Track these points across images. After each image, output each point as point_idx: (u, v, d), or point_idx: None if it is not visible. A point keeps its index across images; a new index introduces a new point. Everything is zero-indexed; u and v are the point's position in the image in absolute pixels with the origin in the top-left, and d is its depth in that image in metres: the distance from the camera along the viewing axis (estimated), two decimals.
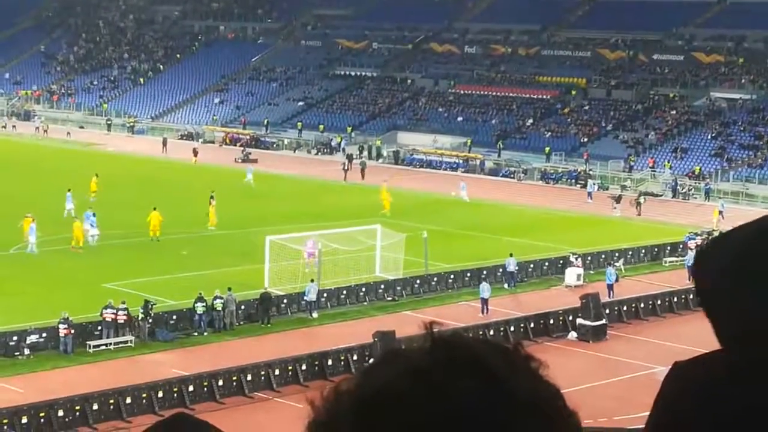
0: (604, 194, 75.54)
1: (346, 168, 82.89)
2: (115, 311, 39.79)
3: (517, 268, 50.72)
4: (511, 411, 1.71)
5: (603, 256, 54.57)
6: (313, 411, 1.82)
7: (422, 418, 1.70)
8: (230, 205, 64.63)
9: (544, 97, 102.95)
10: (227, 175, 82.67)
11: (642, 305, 46.65)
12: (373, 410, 1.74)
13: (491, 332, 41.15)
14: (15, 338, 38.19)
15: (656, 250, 57.60)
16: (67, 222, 56.67)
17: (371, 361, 1.85)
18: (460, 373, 1.73)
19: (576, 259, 52.47)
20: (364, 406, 1.74)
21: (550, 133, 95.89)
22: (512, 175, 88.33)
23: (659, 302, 47.24)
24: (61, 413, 31.87)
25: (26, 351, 37.89)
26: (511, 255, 50.92)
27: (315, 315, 44.47)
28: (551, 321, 43.71)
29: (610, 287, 48.38)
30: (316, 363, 37.41)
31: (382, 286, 48.07)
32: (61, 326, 38.19)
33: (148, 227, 56.16)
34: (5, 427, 30.86)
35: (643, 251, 57.23)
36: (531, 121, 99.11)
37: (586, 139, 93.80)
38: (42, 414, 31.64)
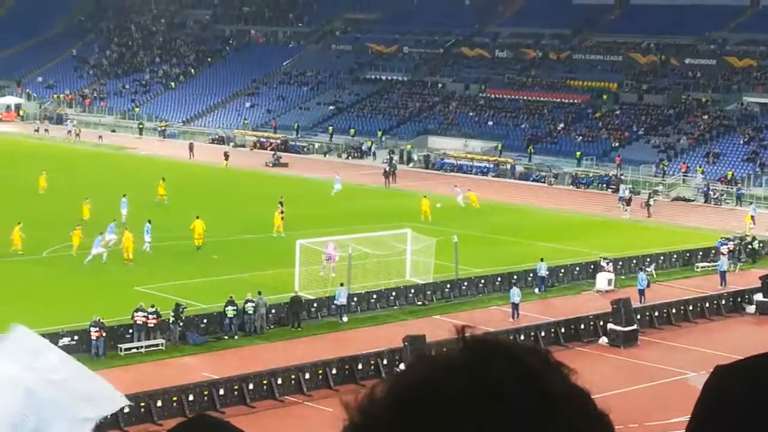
0: (637, 199, 75.08)
1: (387, 172, 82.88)
2: (146, 314, 39.95)
3: (547, 272, 50.59)
4: (549, 404, 1.73)
5: (634, 261, 54.37)
6: (348, 414, 1.83)
7: (461, 413, 1.71)
8: (261, 209, 64.75)
9: (575, 101, 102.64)
10: (258, 178, 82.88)
11: (674, 311, 46.40)
12: (411, 408, 1.75)
13: (521, 337, 41.01)
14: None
15: (688, 255, 57.29)
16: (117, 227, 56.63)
17: (403, 365, 1.84)
18: (496, 369, 1.75)
19: (607, 263, 52.29)
20: (400, 404, 1.76)
21: (581, 138, 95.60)
22: (543, 180, 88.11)
23: (691, 308, 46.98)
24: None
25: None
26: (541, 260, 50.80)
27: (345, 319, 44.49)
28: (582, 326, 43.55)
29: (642, 292, 48.15)
30: (347, 367, 37.41)
31: (413, 291, 48.03)
32: (92, 329, 38.35)
33: (192, 235, 55.90)
34: None
35: (675, 256, 56.95)
36: (562, 125, 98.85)
37: (617, 144, 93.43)
38: None
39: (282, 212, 60.48)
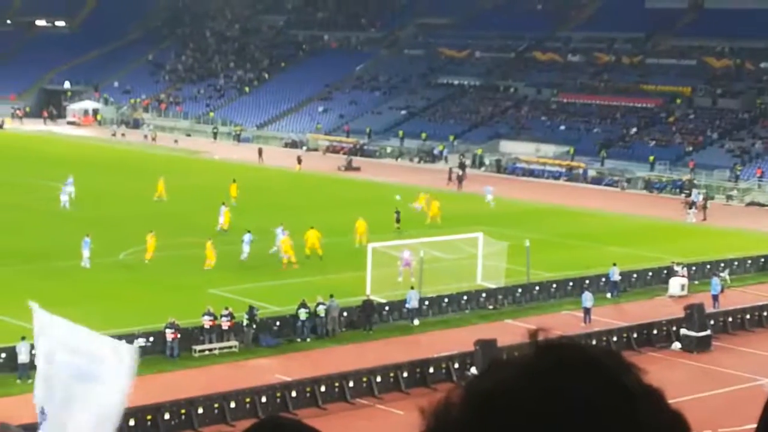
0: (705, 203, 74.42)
1: (459, 176, 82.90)
2: (213, 318, 40.37)
3: (620, 277, 50.35)
4: (630, 402, 1.76)
5: (708, 266, 53.91)
6: (423, 419, 1.83)
7: (538, 416, 1.72)
8: (333, 213, 65.16)
9: (648, 105, 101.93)
10: (330, 183, 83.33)
11: (748, 316, 46.00)
12: (486, 414, 1.76)
13: (593, 342, 40.89)
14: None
15: (762, 260, 56.70)
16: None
17: (476, 370, 1.92)
18: (573, 372, 1.77)
19: (680, 268, 51.93)
20: (475, 410, 1.77)
21: (654, 142, 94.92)
22: (615, 184, 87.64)
23: (765, 313, 46.53)
24: (167, 416, 32.46)
25: None
26: (614, 264, 50.57)
27: (416, 322, 44.63)
28: (655, 331, 43.32)
29: (716, 298, 47.76)
30: (418, 370, 37.55)
31: (484, 295, 48.04)
32: (168, 331, 38.88)
33: (305, 245, 55.79)
34: None
35: (750, 262, 56.40)
36: (635, 129, 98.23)
37: (691, 149, 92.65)
38: (149, 417, 32.26)
39: (398, 222, 61.32)
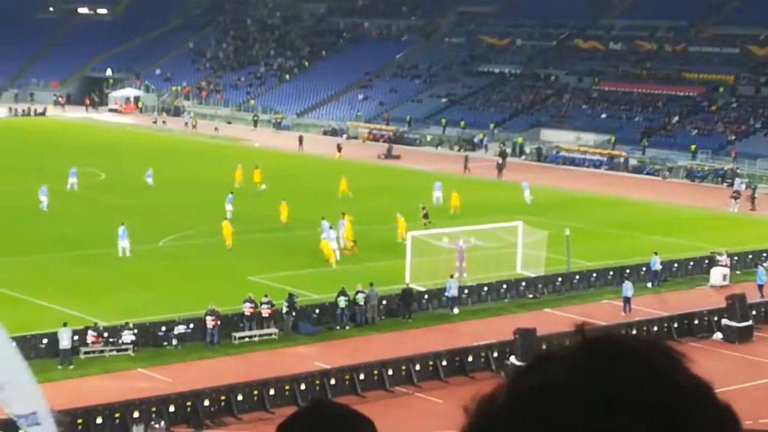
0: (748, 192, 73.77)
1: (500, 165, 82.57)
2: (254, 305, 40.49)
3: (661, 266, 50.05)
4: (678, 396, 1.74)
5: (750, 256, 53.47)
6: (466, 417, 1.82)
7: (584, 413, 1.70)
8: (372, 200, 65.18)
9: (691, 94, 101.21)
10: (370, 170, 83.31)
11: None
12: (531, 408, 1.74)
13: (634, 331, 40.70)
14: (163, 329, 39.16)
15: None
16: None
17: (521, 363, 1.88)
18: (619, 365, 1.74)
19: (722, 258, 51.55)
20: (521, 405, 1.75)
21: (696, 131, 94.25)
22: (657, 173, 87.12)
23: None
24: (206, 403, 32.61)
25: (174, 341, 38.82)
26: (655, 253, 50.28)
27: (456, 311, 44.58)
28: (696, 321, 43.06)
29: (761, 288, 47.34)
30: (457, 359, 37.52)
31: (524, 284, 47.91)
32: (208, 318, 39.03)
33: (396, 231, 55.66)
34: (153, 415, 31.69)
35: None
36: (677, 118, 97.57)
37: (733, 137, 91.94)
38: (189, 403, 32.42)
39: (426, 217, 59.32)
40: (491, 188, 72.80)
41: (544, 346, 38.19)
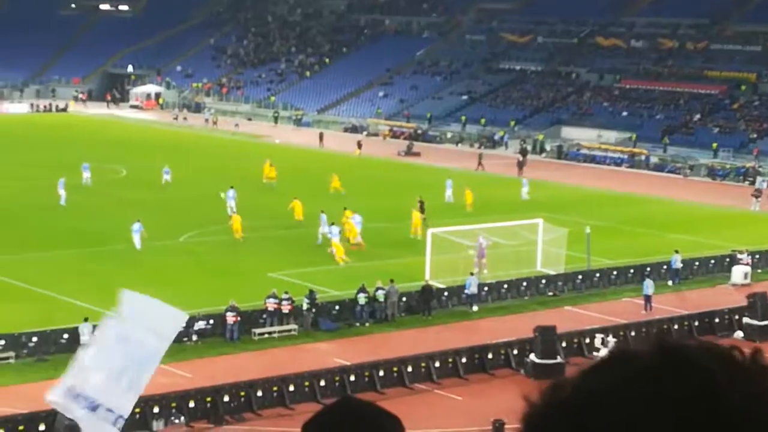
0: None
1: (520, 162, 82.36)
2: (277, 301, 40.54)
3: (682, 264, 49.88)
4: (725, 416, 1.72)
5: None
6: (529, 406, 1.82)
7: (643, 418, 1.70)
8: (393, 198, 65.15)
9: (712, 92, 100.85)
10: (390, 167, 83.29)
11: None
12: (594, 409, 1.74)
13: (654, 330, 40.62)
14: (183, 324, 39.15)
15: None
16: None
17: (596, 360, 1.85)
18: (685, 380, 1.73)
19: (743, 256, 51.34)
20: (585, 403, 1.75)
21: (717, 129, 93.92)
22: (678, 171, 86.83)
23: None
24: (226, 398, 32.66)
25: (194, 337, 38.88)
26: (676, 251, 50.13)
27: (475, 308, 44.52)
28: (716, 320, 42.91)
29: None
30: (476, 356, 37.48)
31: (544, 281, 47.83)
32: (229, 314, 39.08)
33: (410, 227, 56.42)
34: (173, 410, 31.77)
35: None
36: (698, 116, 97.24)
37: (755, 135, 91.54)
38: (209, 399, 32.47)
39: (422, 212, 59.14)
40: (511, 186, 72.58)
41: (609, 341, 38.11)
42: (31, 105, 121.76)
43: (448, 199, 66.03)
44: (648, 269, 48.93)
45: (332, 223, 53.15)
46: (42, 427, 29.99)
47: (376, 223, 59.04)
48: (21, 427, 29.85)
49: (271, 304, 40.40)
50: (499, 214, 58.07)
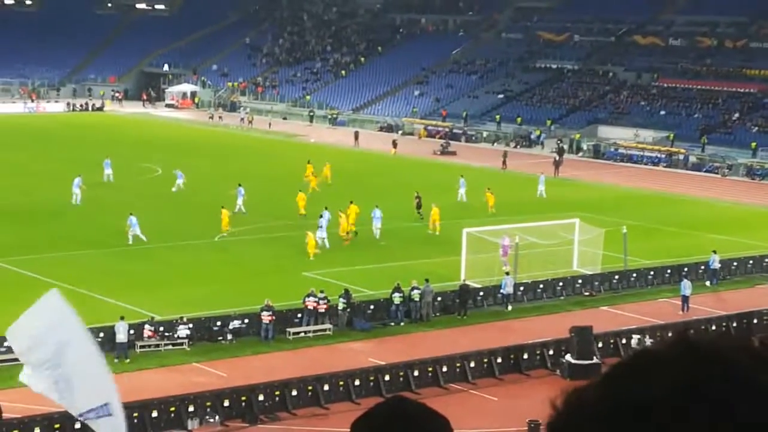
0: None
1: (556, 161, 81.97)
2: (316, 300, 40.49)
3: (720, 265, 49.45)
4: (756, 408, 1.65)
5: None
6: (553, 412, 1.77)
7: (668, 417, 1.64)
8: (428, 198, 64.92)
9: (752, 90, 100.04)
10: (426, 166, 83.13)
11: None
12: (620, 411, 1.68)
13: (691, 331, 40.21)
14: (219, 323, 39.27)
15: None
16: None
17: (618, 364, 1.76)
18: (718, 379, 1.67)
19: None
20: (613, 415, 1.69)
21: (756, 128, 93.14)
22: (716, 171, 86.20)
23: None
24: (261, 398, 32.61)
25: (229, 336, 38.89)
26: (714, 252, 49.70)
27: (510, 308, 44.30)
28: (755, 320, 42.50)
29: None
30: (512, 356, 37.29)
31: (580, 281, 47.55)
32: (264, 313, 39.05)
33: (429, 220, 56.79)
34: (208, 409, 31.76)
35: None
36: (737, 115, 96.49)
37: None
38: (243, 398, 32.44)
39: (419, 207, 59.50)
40: (548, 185, 72.23)
41: (646, 342, 37.84)
42: (68, 104, 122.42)
43: (460, 199, 65.70)
44: (685, 269, 48.56)
45: (321, 216, 54.27)
46: (77, 425, 30.00)
47: (409, 222, 58.99)
48: (57, 426, 29.90)
49: (311, 303, 40.34)
50: (534, 214, 57.81)
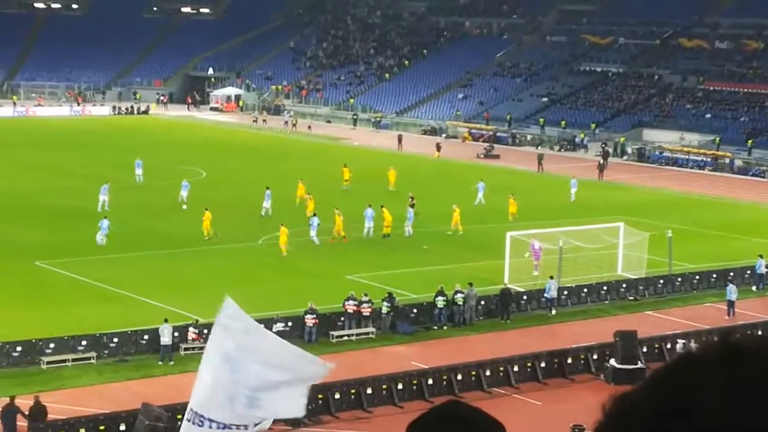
0: None
1: (601, 165, 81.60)
2: (356, 303, 40.49)
3: (767, 270, 49.00)
4: None
5: None
6: (603, 416, 1.76)
7: (716, 420, 1.63)
8: (470, 200, 64.81)
9: None
10: (469, 170, 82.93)
11: None
12: (667, 414, 1.67)
13: (737, 336, 39.86)
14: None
15: None
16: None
17: (661, 368, 1.74)
18: (750, 376, 1.66)
19: None
20: (655, 417, 1.68)
21: None
22: (763, 175, 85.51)
23: None
24: None
25: None
26: (761, 256, 49.27)
27: (554, 312, 44.14)
28: None
29: None
30: (556, 361, 37.14)
31: (624, 285, 47.30)
32: (308, 316, 39.09)
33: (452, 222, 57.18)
34: None
35: None
36: None
37: None
38: None
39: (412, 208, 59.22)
40: (592, 188, 71.87)
41: (680, 346, 37.59)
42: (113, 107, 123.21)
43: (478, 202, 65.24)
44: (731, 274, 48.18)
45: (314, 214, 54.96)
46: (123, 427, 30.20)
47: (445, 226, 58.80)
48: (102, 427, 30.08)
49: (350, 307, 40.37)
50: (579, 217, 57.57)
